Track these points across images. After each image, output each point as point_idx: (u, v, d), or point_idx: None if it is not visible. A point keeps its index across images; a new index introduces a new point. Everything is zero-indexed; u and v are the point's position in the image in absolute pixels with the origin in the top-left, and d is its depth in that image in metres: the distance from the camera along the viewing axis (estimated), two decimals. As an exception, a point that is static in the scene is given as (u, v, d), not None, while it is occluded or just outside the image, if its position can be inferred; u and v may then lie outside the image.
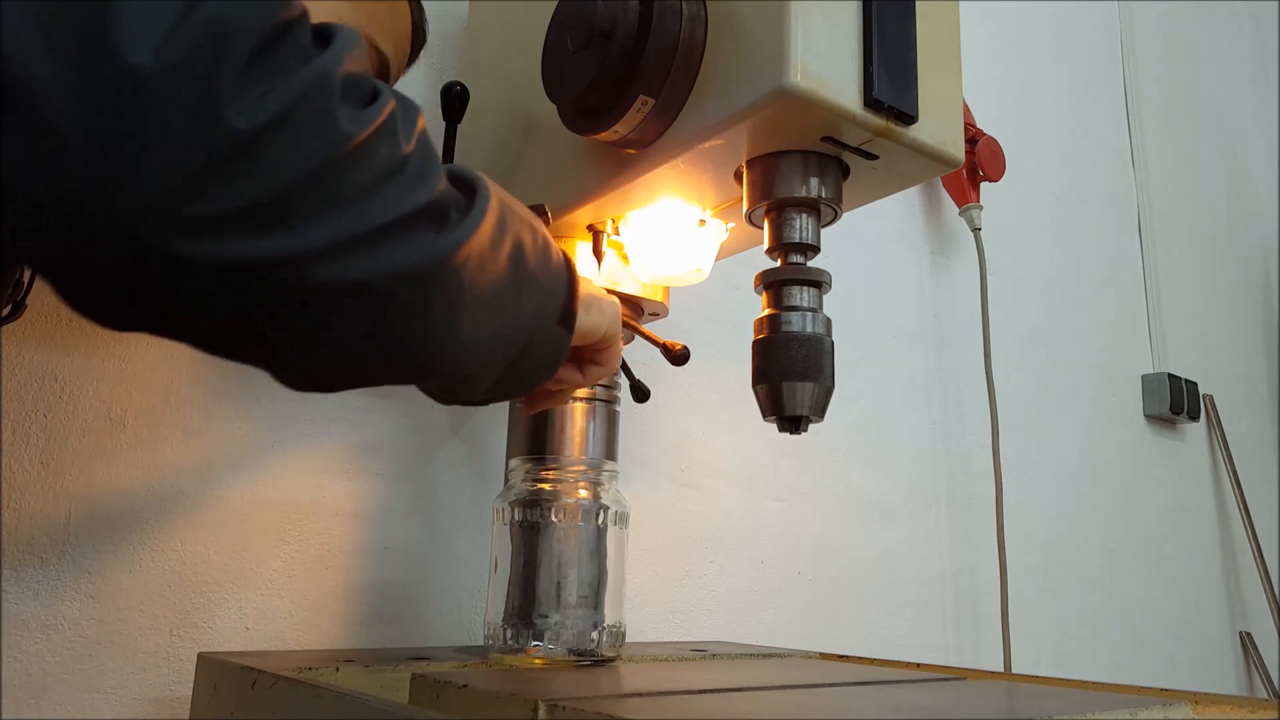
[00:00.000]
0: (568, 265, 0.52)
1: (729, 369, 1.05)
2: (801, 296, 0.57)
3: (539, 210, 0.59)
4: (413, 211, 0.37)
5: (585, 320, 0.53)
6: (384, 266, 0.36)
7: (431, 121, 0.88)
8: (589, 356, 0.57)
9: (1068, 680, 0.61)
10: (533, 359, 0.49)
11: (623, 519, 0.69)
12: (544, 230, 0.50)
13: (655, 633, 0.95)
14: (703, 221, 0.65)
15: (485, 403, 0.53)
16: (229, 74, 0.31)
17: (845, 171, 0.58)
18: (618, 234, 0.68)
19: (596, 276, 0.70)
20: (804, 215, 0.57)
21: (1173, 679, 1.53)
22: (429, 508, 0.83)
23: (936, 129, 0.55)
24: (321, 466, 0.78)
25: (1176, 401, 1.64)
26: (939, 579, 1.23)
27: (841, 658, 0.79)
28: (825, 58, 0.50)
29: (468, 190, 0.43)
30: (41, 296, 0.67)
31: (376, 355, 0.39)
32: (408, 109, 0.41)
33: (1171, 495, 1.66)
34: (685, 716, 0.45)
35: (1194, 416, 1.70)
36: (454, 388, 0.48)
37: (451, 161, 0.75)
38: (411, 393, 0.83)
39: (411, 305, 0.39)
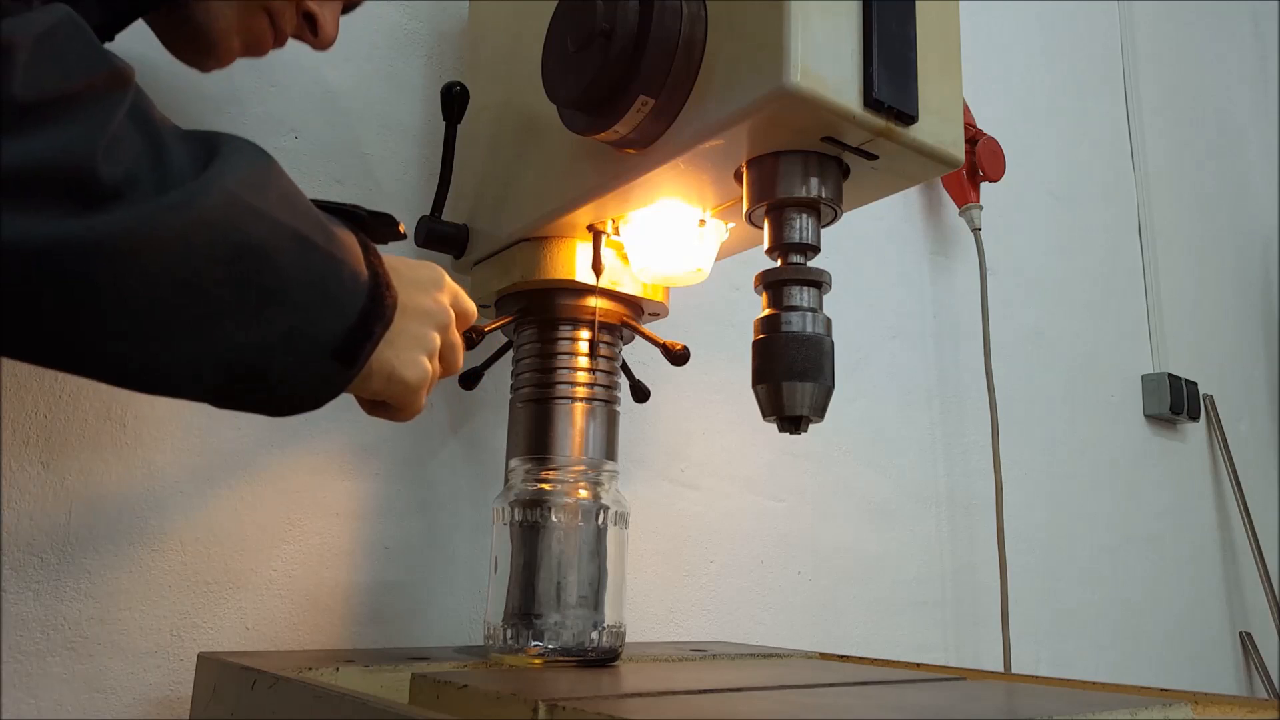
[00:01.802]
0: (374, 289, 0.45)
1: (729, 369, 1.05)
2: (801, 296, 0.57)
3: (373, 218, 0.52)
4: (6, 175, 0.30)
5: (385, 359, 0.47)
6: None
7: (433, 122, 0.88)
8: (378, 399, 0.50)
9: (1068, 680, 0.61)
10: (276, 386, 0.42)
11: (623, 519, 0.69)
12: (346, 238, 0.45)
13: (655, 633, 0.95)
14: (703, 221, 0.65)
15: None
16: None
17: (845, 171, 0.58)
18: (618, 234, 0.68)
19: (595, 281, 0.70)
20: (804, 215, 0.57)
21: (1173, 679, 1.53)
22: (429, 508, 0.83)
23: (936, 129, 0.55)
24: (321, 466, 0.78)
25: (1176, 401, 1.64)
26: (939, 579, 1.23)
27: (841, 658, 0.79)
28: (825, 58, 0.50)
29: (195, 162, 0.38)
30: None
31: (22, 346, 0.34)
32: (57, 40, 0.33)
33: (1171, 495, 1.66)
34: (685, 716, 0.45)
35: (1194, 416, 1.70)
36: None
37: (451, 163, 0.75)
38: (411, 393, 0.83)
39: (31, 296, 0.32)
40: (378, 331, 0.45)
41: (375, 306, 0.45)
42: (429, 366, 0.50)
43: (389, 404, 0.51)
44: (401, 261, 0.51)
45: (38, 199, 0.32)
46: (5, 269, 0.31)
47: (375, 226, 0.53)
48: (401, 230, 0.56)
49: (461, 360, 0.56)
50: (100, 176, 0.33)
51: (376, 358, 0.46)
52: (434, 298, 0.52)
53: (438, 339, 0.51)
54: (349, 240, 0.45)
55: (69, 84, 0.33)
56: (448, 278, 0.54)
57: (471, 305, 0.57)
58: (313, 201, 0.46)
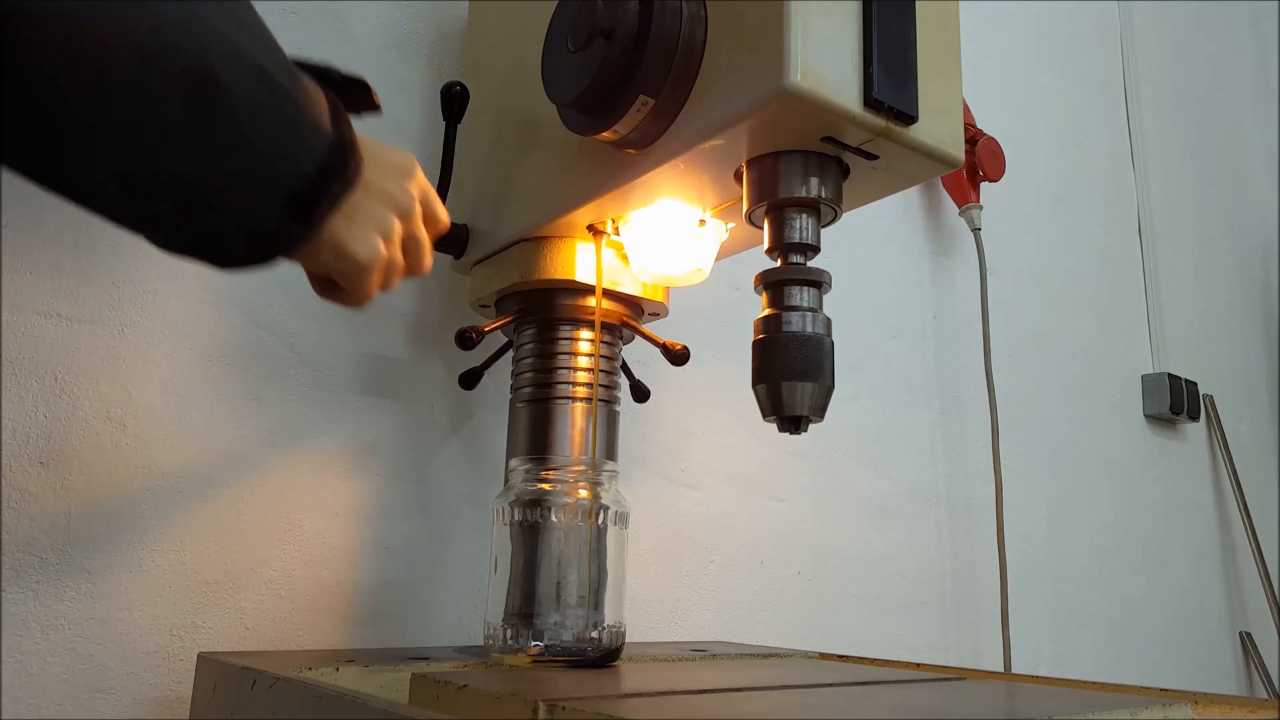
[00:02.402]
0: (337, 148, 0.43)
1: (729, 369, 1.05)
2: (801, 296, 0.57)
3: (346, 83, 0.49)
4: None
5: (338, 229, 0.45)
6: None
7: (433, 122, 0.88)
8: (331, 276, 0.48)
9: (1068, 680, 0.61)
10: (220, 228, 0.40)
11: (623, 519, 0.69)
12: (313, 90, 0.43)
13: (655, 633, 0.95)
14: (703, 221, 0.65)
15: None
16: None
17: (845, 171, 0.58)
18: (618, 234, 0.68)
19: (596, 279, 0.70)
20: (804, 215, 0.57)
21: (1173, 679, 1.53)
22: (429, 508, 0.83)
23: (936, 129, 0.55)
24: (321, 466, 0.78)
25: (1176, 401, 1.64)
26: (939, 579, 1.23)
27: (841, 658, 0.79)
28: (825, 58, 0.50)
29: None
30: (37, 298, 0.67)
31: None
32: None
33: (1171, 495, 1.66)
34: (685, 716, 0.45)
35: (1194, 416, 1.70)
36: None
37: (451, 163, 0.75)
38: (411, 393, 0.83)
39: None
40: (335, 190, 0.43)
41: (336, 165, 0.43)
42: (384, 250, 0.48)
43: (339, 285, 0.49)
44: (374, 142, 0.49)
45: None
46: None
47: (349, 92, 0.49)
48: (376, 101, 0.51)
49: (428, 259, 0.53)
50: None
51: (330, 226, 0.44)
52: (401, 185, 0.50)
53: (398, 226, 0.50)
54: (316, 93, 0.44)
55: None
56: (420, 171, 0.52)
57: (442, 210, 0.54)
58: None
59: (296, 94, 0.41)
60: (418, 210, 0.51)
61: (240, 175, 0.39)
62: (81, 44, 0.33)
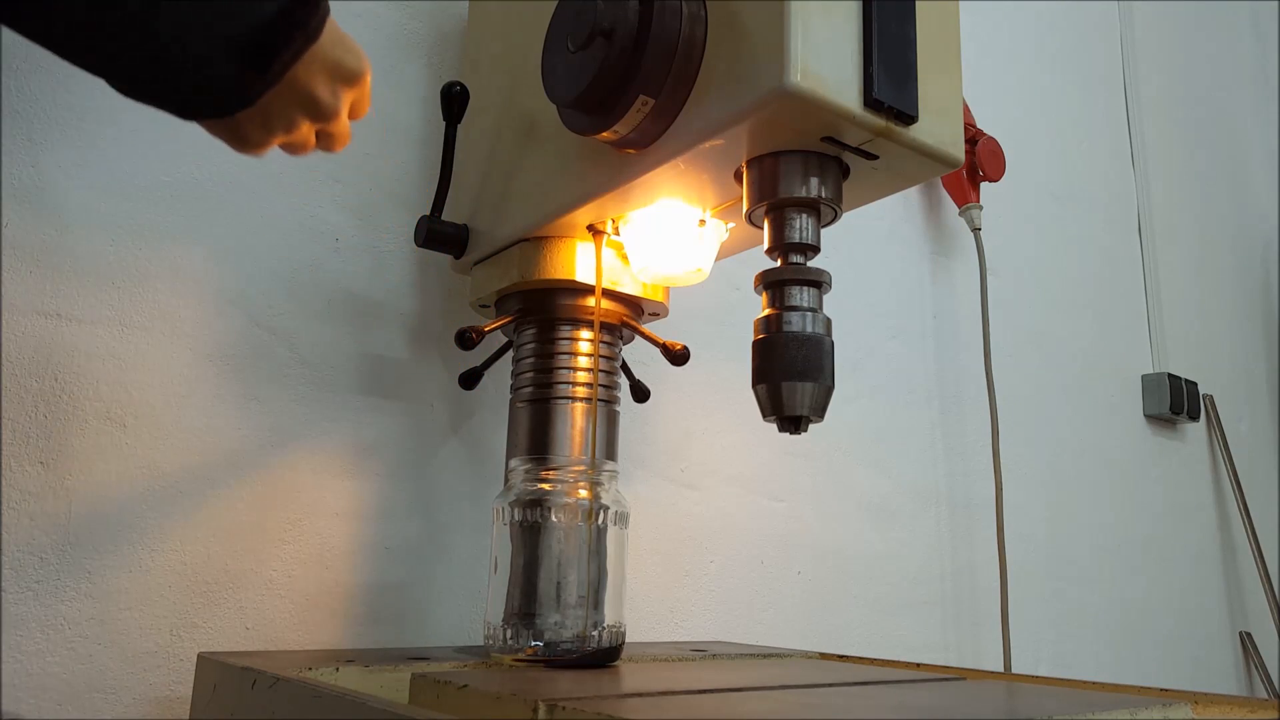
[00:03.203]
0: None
1: (729, 369, 1.05)
2: (801, 296, 0.57)
3: None
4: None
5: (306, 75, 0.46)
6: None
7: (433, 122, 0.88)
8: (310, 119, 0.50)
9: (1068, 680, 0.61)
10: (180, 72, 0.41)
11: (623, 519, 0.69)
12: None
13: (655, 633, 0.95)
14: (703, 221, 0.65)
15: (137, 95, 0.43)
16: None
17: (845, 171, 0.58)
18: (618, 234, 0.68)
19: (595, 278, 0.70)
20: (804, 215, 0.57)
21: (1173, 679, 1.53)
22: (429, 508, 0.83)
23: (936, 129, 0.55)
24: (321, 466, 0.78)
25: (1176, 401, 1.64)
26: (939, 579, 1.23)
27: (841, 658, 0.79)
28: (825, 58, 0.50)
29: None
30: (37, 298, 0.67)
31: None
32: None
33: (1171, 495, 1.66)
34: (685, 716, 0.45)
35: (1194, 416, 1.70)
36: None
37: (451, 163, 0.75)
38: (411, 393, 0.83)
39: None
40: (298, 42, 0.44)
41: (299, 11, 0.44)
42: (268, 140, 0.50)
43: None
44: (335, 26, 0.49)
45: None
46: None
47: None
48: None
49: (342, 140, 0.55)
50: None
51: (301, 73, 0.45)
52: (333, 89, 0.50)
53: (304, 128, 0.51)
54: None
55: None
56: (367, 73, 0.53)
57: (365, 101, 0.55)
58: None
59: None
60: (337, 115, 0.52)
61: (195, 12, 0.40)
62: None
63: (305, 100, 0.49)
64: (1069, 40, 1.69)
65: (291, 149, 0.54)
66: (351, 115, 0.55)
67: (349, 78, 0.51)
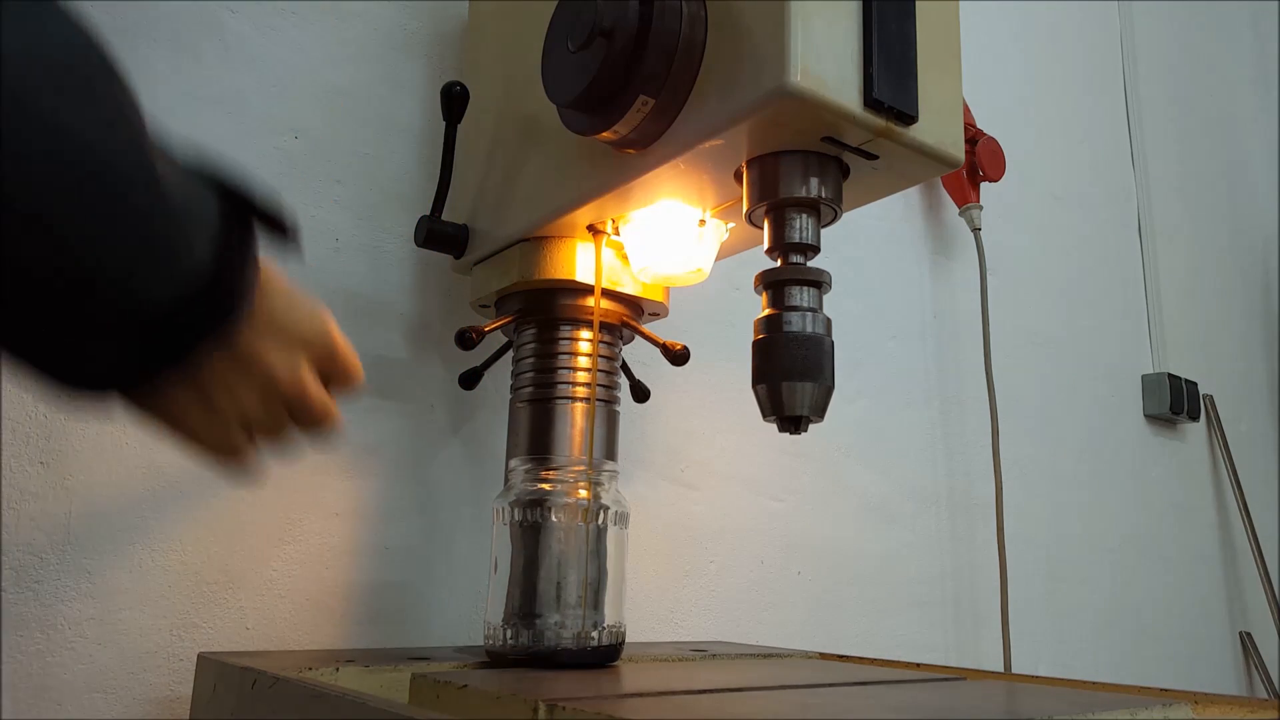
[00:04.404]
0: (222, 281, 0.36)
1: (729, 369, 1.05)
2: (801, 296, 0.57)
3: (262, 213, 0.41)
4: None
5: (185, 401, 0.37)
6: None
7: (433, 122, 0.88)
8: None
9: (1068, 680, 0.61)
10: (53, 343, 0.33)
11: (623, 519, 0.69)
12: (197, 208, 0.36)
13: (655, 633, 0.95)
14: (703, 221, 0.65)
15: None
16: None
17: (845, 171, 0.58)
18: (618, 234, 0.68)
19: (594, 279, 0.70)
20: (804, 215, 0.57)
21: (1173, 679, 1.53)
22: (429, 508, 0.83)
23: (936, 129, 0.55)
24: (321, 466, 0.78)
25: (1176, 401, 1.64)
26: (939, 579, 1.23)
27: (841, 658, 0.79)
28: (825, 58, 0.50)
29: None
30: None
31: None
32: None
33: (1171, 495, 1.66)
34: (685, 716, 0.45)
35: (1194, 416, 1.70)
36: None
37: (451, 163, 0.75)
38: (411, 393, 0.83)
39: None
40: (189, 338, 0.35)
41: (202, 306, 0.35)
42: (233, 444, 0.40)
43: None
44: (284, 285, 0.42)
45: None
46: None
47: (263, 215, 0.41)
48: (286, 226, 0.42)
49: (325, 417, 0.44)
50: None
51: (180, 392, 0.36)
52: (286, 355, 0.41)
53: (268, 418, 0.41)
54: (201, 210, 0.36)
55: None
56: (331, 331, 0.45)
57: (352, 364, 0.46)
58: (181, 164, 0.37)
59: (164, 199, 0.34)
60: (301, 388, 0.43)
61: (99, 283, 0.32)
62: None
63: (248, 368, 0.40)
64: (1069, 40, 1.69)
65: (260, 436, 0.43)
66: (336, 386, 0.46)
67: (306, 343, 0.43)
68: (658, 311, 0.76)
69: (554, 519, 0.66)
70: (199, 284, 0.35)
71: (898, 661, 0.74)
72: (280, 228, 0.42)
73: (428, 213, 0.75)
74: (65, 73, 0.30)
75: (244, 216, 0.39)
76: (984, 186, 1.33)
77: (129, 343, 0.34)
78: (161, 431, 0.39)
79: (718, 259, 0.68)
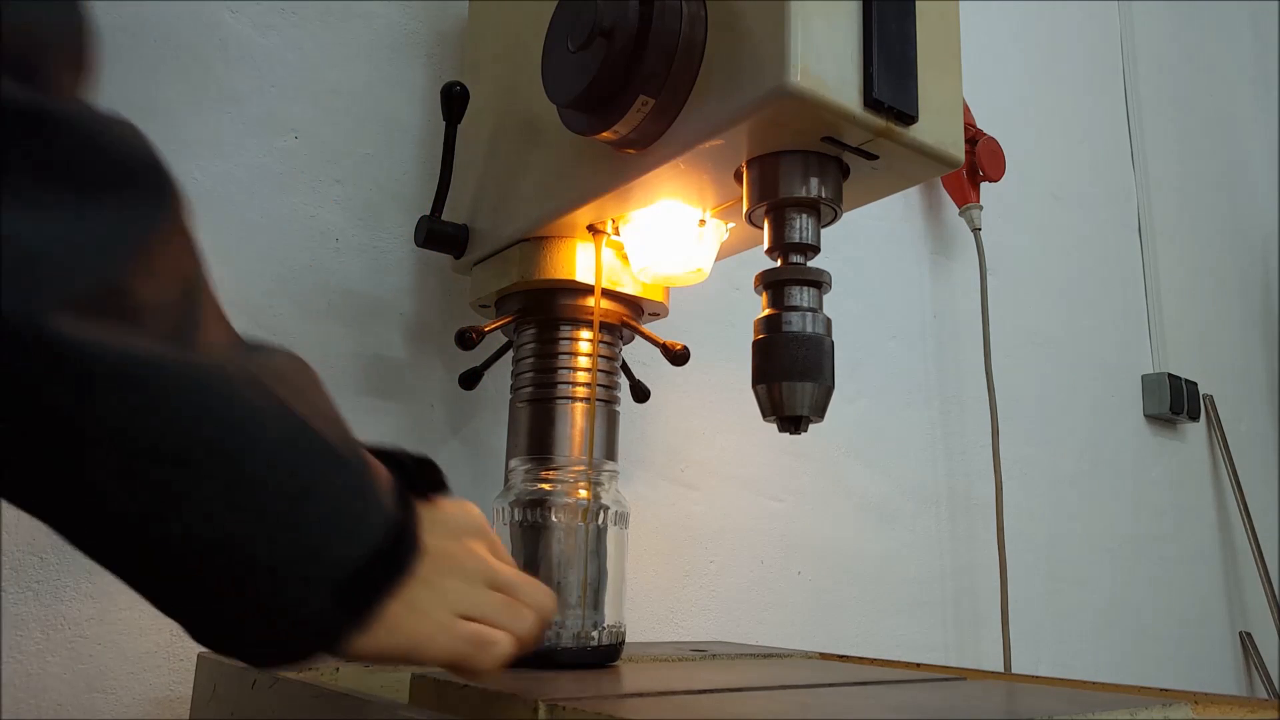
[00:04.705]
0: (400, 525, 0.37)
1: (729, 369, 1.05)
2: (801, 296, 0.57)
3: (417, 466, 0.43)
4: None
5: (403, 622, 0.37)
6: None
7: (433, 122, 0.88)
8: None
9: (1068, 680, 0.61)
10: (263, 616, 0.33)
11: (623, 519, 0.69)
12: (375, 464, 0.38)
13: (655, 633, 0.95)
14: (703, 221, 0.65)
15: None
16: None
17: (845, 171, 0.58)
18: (618, 234, 0.68)
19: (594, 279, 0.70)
20: (804, 215, 0.57)
21: (1173, 679, 1.53)
22: (429, 508, 0.83)
23: (936, 129, 0.55)
24: (321, 466, 0.77)
25: (1176, 401, 1.64)
26: (939, 579, 1.23)
27: (841, 658, 0.79)
28: (825, 58, 0.50)
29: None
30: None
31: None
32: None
33: (1171, 495, 1.66)
34: (685, 716, 0.45)
35: (1194, 416, 1.70)
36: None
37: (451, 163, 0.75)
38: (411, 393, 0.83)
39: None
40: (389, 578, 0.37)
41: (393, 550, 0.37)
42: (465, 631, 0.40)
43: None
44: (443, 505, 0.43)
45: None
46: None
47: (417, 473, 0.43)
48: (444, 480, 0.44)
49: (526, 626, 0.43)
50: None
51: (388, 617, 0.37)
52: (466, 546, 0.42)
53: (484, 599, 0.41)
54: (378, 468, 0.39)
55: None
56: (487, 525, 0.46)
57: (508, 570, 0.45)
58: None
59: (354, 464, 0.37)
60: (499, 572, 0.43)
61: (284, 555, 0.33)
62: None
63: (446, 566, 0.40)
64: (1069, 40, 1.69)
65: (489, 622, 0.42)
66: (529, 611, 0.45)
67: (478, 533, 0.44)
68: (658, 311, 0.76)
69: (554, 519, 0.66)
70: (386, 529, 0.37)
71: (898, 661, 0.74)
72: (434, 474, 0.43)
73: (428, 213, 0.75)
74: (281, 378, 0.35)
75: (399, 467, 0.41)
76: (984, 186, 1.33)
77: (326, 609, 0.35)
78: (391, 662, 0.39)
79: (718, 259, 0.68)
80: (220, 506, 0.31)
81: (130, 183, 0.30)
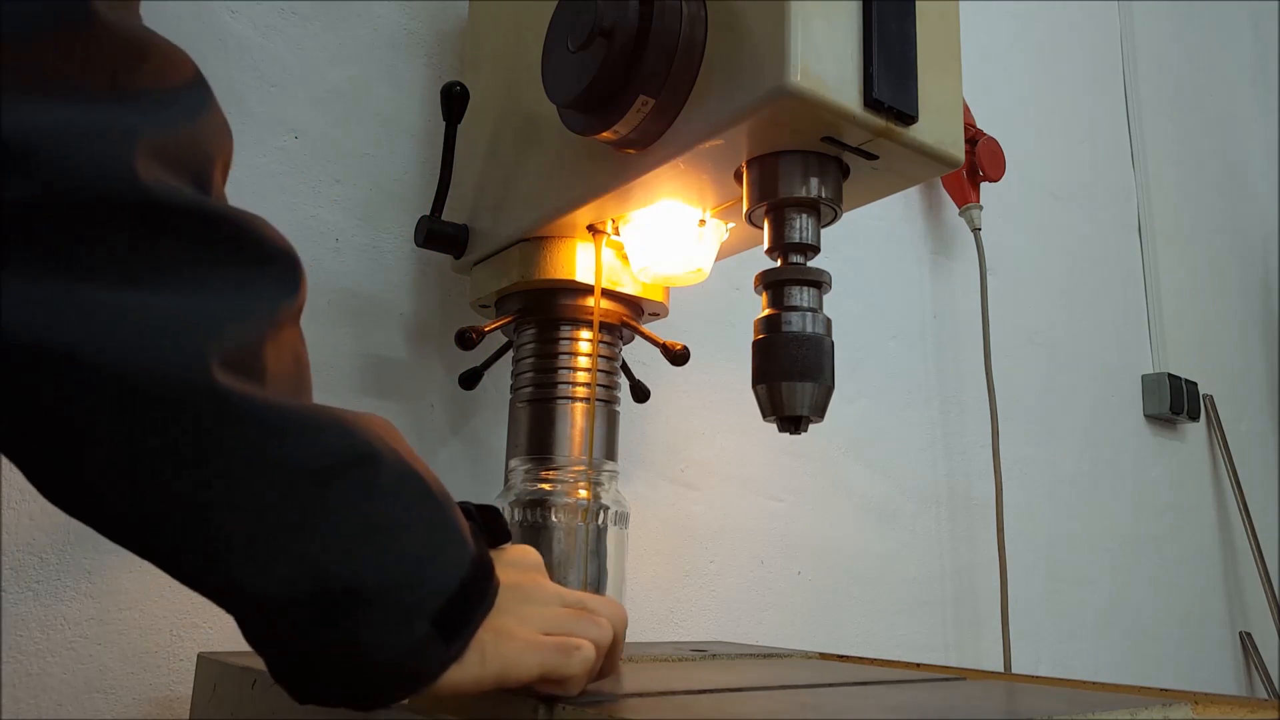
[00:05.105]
0: (481, 558, 0.40)
1: (729, 369, 1.05)
2: (801, 296, 0.57)
3: (482, 514, 0.45)
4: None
5: (493, 650, 0.39)
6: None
7: (433, 122, 0.88)
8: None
9: (1068, 680, 0.61)
10: (367, 650, 0.35)
11: (623, 519, 0.69)
12: (452, 504, 0.40)
13: (655, 633, 0.95)
14: (703, 221, 0.65)
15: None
16: None
17: (845, 171, 0.58)
18: (618, 234, 0.68)
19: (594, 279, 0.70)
20: (804, 215, 0.57)
21: (1173, 679, 1.53)
22: (429, 508, 0.83)
23: (936, 129, 0.55)
24: (321, 466, 0.77)
25: (1176, 401, 1.64)
26: (939, 579, 1.23)
27: (841, 658, 0.79)
28: (825, 58, 0.50)
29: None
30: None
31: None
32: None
33: (1171, 495, 1.66)
34: (685, 716, 0.45)
35: (1194, 416, 1.70)
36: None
37: (451, 163, 0.75)
38: (411, 393, 0.83)
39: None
40: (479, 613, 0.39)
41: (478, 580, 0.39)
42: (550, 642, 0.41)
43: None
44: (509, 550, 0.46)
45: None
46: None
47: (482, 519, 0.45)
48: (507, 529, 0.47)
49: (605, 634, 0.44)
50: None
51: (481, 646, 0.39)
52: (533, 577, 0.45)
53: (561, 614, 0.43)
54: (459, 510, 0.41)
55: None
56: (541, 561, 0.48)
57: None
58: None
59: (445, 499, 0.40)
60: (567, 593, 0.46)
61: (390, 576, 0.35)
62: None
63: (519, 591, 0.43)
64: (1069, 40, 1.69)
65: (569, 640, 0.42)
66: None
67: (537, 568, 0.47)
68: (658, 311, 0.76)
69: (554, 519, 0.66)
70: (471, 559, 0.39)
71: (898, 661, 0.74)
72: (498, 522, 0.46)
73: (428, 213, 0.75)
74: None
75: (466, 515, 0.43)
76: (984, 186, 1.33)
77: (426, 639, 0.36)
78: (485, 689, 0.40)
79: (718, 259, 0.68)
80: (350, 537, 0.35)
81: (273, 263, 0.36)
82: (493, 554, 0.43)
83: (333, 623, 0.34)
